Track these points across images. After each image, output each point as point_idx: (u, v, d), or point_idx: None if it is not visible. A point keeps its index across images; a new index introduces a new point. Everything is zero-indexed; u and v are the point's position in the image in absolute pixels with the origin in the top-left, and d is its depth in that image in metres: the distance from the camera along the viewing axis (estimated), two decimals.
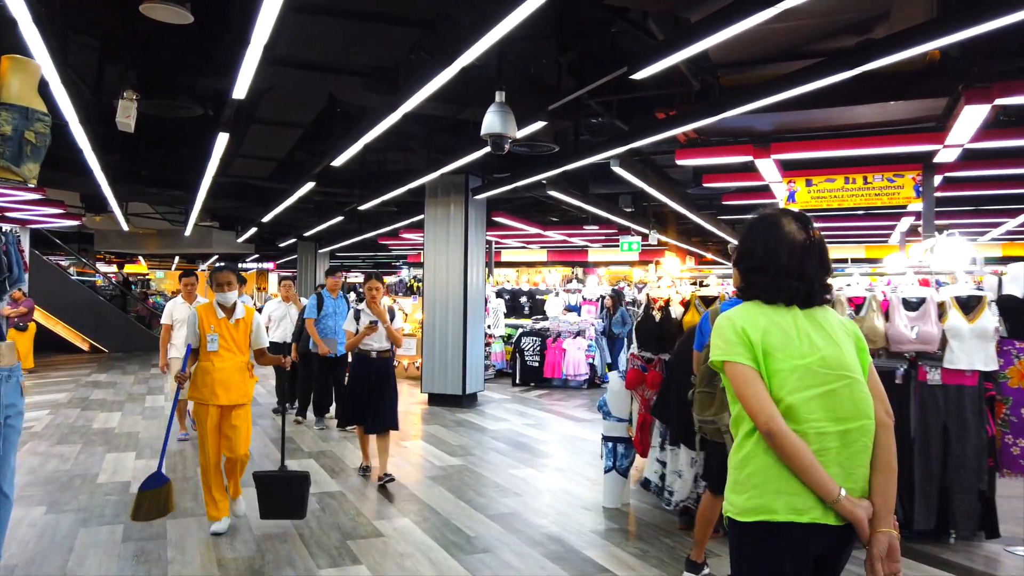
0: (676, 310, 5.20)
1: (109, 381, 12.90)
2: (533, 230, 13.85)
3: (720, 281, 5.36)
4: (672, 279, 5.73)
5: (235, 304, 4.87)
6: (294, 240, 19.96)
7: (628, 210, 13.14)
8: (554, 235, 15.05)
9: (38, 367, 14.44)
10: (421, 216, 13.64)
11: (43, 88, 4.26)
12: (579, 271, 19.91)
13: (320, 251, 22.79)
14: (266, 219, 14.05)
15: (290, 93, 7.11)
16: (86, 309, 18.27)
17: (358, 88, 6.55)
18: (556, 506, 5.55)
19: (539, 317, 14.33)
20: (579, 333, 13.13)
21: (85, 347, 18.36)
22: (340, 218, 13.68)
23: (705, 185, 8.37)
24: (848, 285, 4.94)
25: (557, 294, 14.78)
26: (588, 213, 12.57)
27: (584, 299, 14.21)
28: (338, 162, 8.15)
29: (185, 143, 10.76)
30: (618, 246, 17.06)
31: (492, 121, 5.26)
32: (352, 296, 11.27)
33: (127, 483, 6.02)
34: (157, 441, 7.74)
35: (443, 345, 10.60)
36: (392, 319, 6.00)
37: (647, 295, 5.37)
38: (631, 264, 19.61)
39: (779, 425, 1.84)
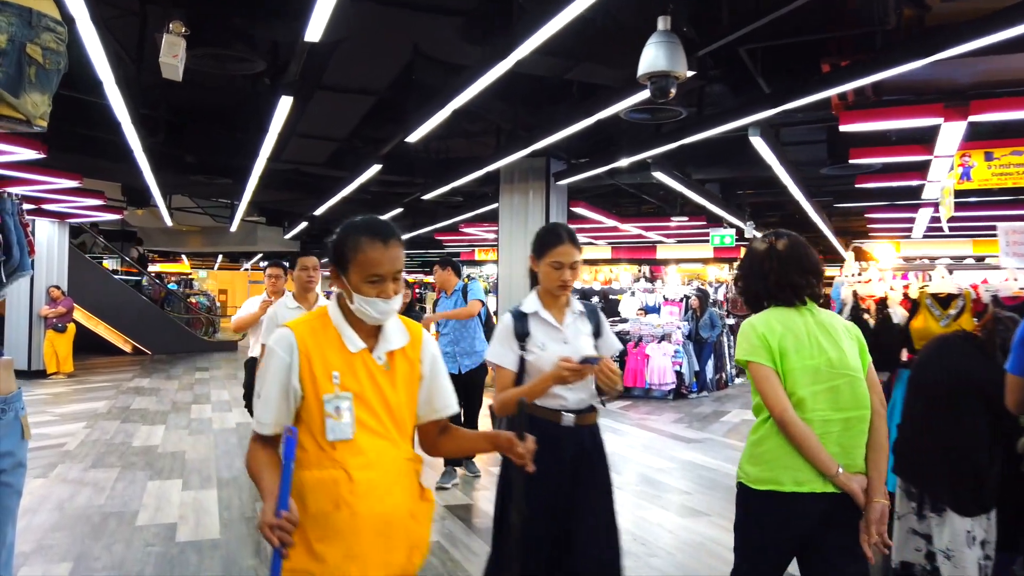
0: (898, 313, 3.85)
1: (152, 387, 11.91)
2: (610, 223, 12.57)
3: (945, 274, 4.00)
4: (880, 271, 4.39)
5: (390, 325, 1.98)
6: None
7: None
8: (631, 229, 13.74)
9: (78, 370, 13.55)
10: (485, 208, 12.52)
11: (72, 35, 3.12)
12: (646, 269, 18.51)
13: None
14: (319, 212, 12.95)
15: (366, 47, 5.91)
16: (129, 310, 17.43)
17: (451, 36, 5.32)
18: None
19: (615, 319, 12.99)
20: (664, 337, 11.77)
21: (128, 348, 17.54)
22: (399, 210, 12.55)
23: (853, 162, 6.98)
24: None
25: (633, 294, 13.43)
26: (686, 201, 11.21)
27: (665, 299, 12.81)
28: (415, 136, 6.95)
29: (235, 125, 9.70)
30: (695, 241, 15.69)
31: (655, 57, 3.97)
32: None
33: (172, 526, 4.86)
34: (206, 464, 6.61)
35: None
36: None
37: (854, 293, 4.04)
38: (704, 261, 18.14)
39: (790, 415, 2.23)
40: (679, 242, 16.21)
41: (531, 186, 9.50)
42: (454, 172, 9.34)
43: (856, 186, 8.69)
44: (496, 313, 9.31)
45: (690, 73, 4.43)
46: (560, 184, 9.49)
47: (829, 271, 4.90)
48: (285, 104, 5.84)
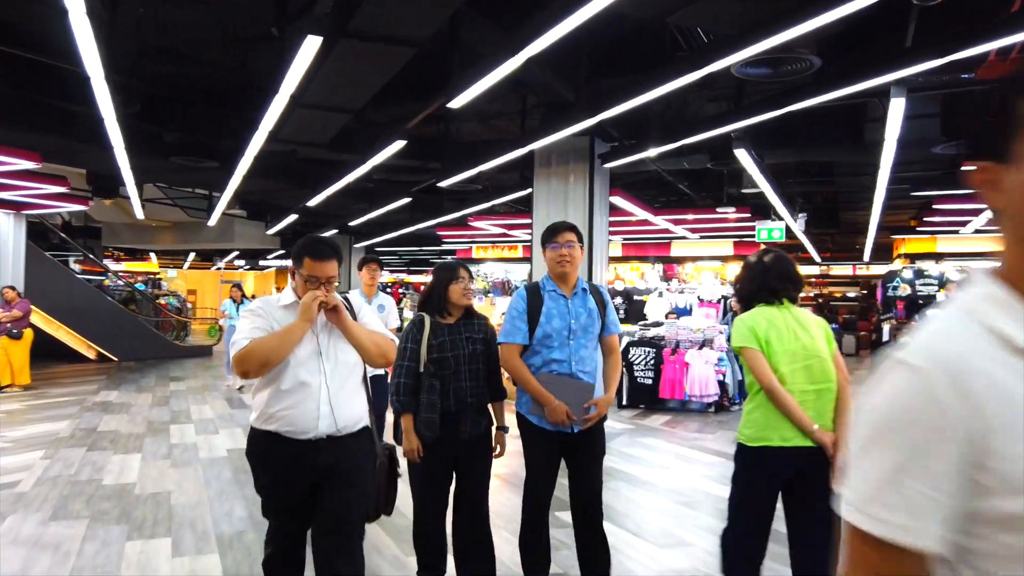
0: None
1: (122, 402, 10.36)
2: (643, 214, 11.31)
3: None
4: None
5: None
6: (333, 232, 17.35)
7: (754, 190, 10.55)
8: (659, 222, 12.50)
9: (36, 381, 11.92)
10: (503, 199, 11.21)
11: None
12: (659, 267, 17.28)
13: (356, 245, 20.30)
14: (313, 203, 11.49)
15: None
16: (94, 312, 15.75)
17: None
18: None
19: (645, 323, 11.71)
20: (704, 343, 10.52)
21: (92, 355, 15.85)
22: (406, 200, 11.17)
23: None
24: None
25: (660, 294, 12.21)
26: (745, 188, 9.98)
27: (700, 300, 11.59)
28: (458, 102, 5.60)
29: (224, 100, 8.28)
30: (725, 237, 14.56)
31: None
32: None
33: None
34: (198, 513, 5.19)
35: None
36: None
37: None
38: (723, 259, 16.94)
39: (776, 386, 2.95)
40: (703, 238, 15.03)
41: (572, 169, 8.21)
42: (482, 155, 8.00)
43: (963, 168, 7.54)
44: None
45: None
46: (608, 166, 8.22)
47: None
48: (310, 48, 4.45)
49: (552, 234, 3.47)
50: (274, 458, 2.84)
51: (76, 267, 18.42)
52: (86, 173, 12.01)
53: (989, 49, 4.36)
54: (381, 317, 5.15)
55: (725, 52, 4.50)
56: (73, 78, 6.23)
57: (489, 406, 3.58)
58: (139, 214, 14.14)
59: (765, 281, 3.13)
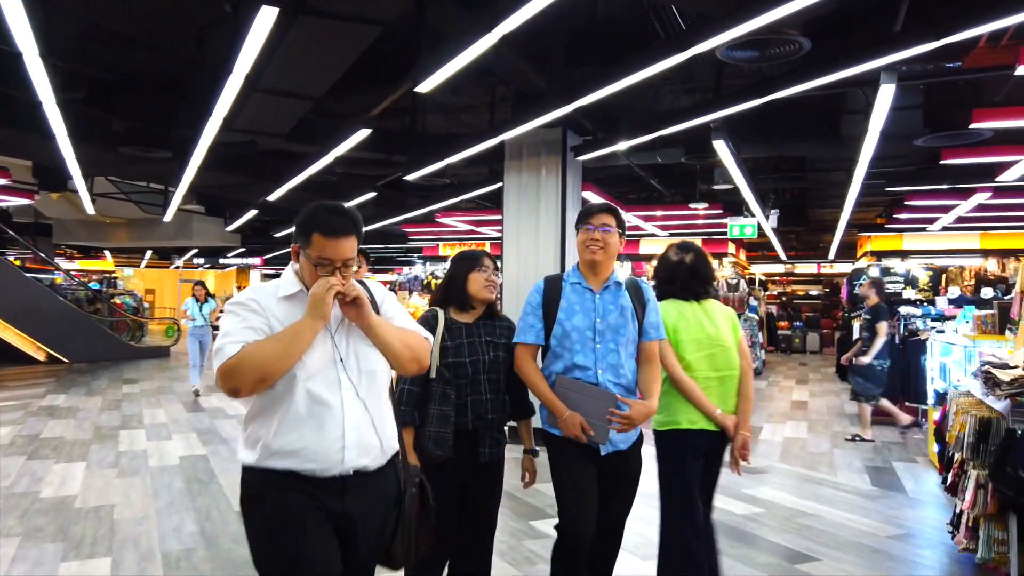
0: None
1: (69, 406, 9.81)
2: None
3: None
4: None
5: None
6: (294, 229, 16.77)
7: (726, 186, 10.39)
8: (631, 218, 12.29)
9: None
10: (469, 194, 10.87)
11: None
12: (628, 265, 17.11)
13: None
14: (273, 197, 11.04)
15: None
16: (43, 312, 15.05)
17: None
18: None
19: None
20: None
21: (41, 357, 15.15)
22: (370, 195, 10.78)
23: (976, 126, 5.66)
24: None
25: None
26: (716, 185, 9.79)
27: None
28: (427, 86, 5.28)
29: (177, 87, 7.82)
30: (694, 234, 14.43)
31: None
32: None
33: None
34: (143, 528, 4.78)
35: None
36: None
37: None
38: None
39: (680, 374, 3.09)
40: (673, 235, 14.86)
41: (543, 162, 7.90)
42: (451, 147, 7.66)
43: (943, 162, 7.41)
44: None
45: None
46: (578, 160, 7.95)
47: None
48: (265, 21, 4.08)
49: (585, 216, 2.93)
50: (281, 506, 2.02)
51: (15, 262, 17.52)
52: (32, 165, 11.40)
53: (984, 32, 4.18)
54: None
55: (710, 32, 4.24)
56: (8, 58, 5.76)
57: (509, 424, 3.02)
58: (89, 209, 13.51)
59: (688, 283, 3.27)
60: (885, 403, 8.07)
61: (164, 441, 7.67)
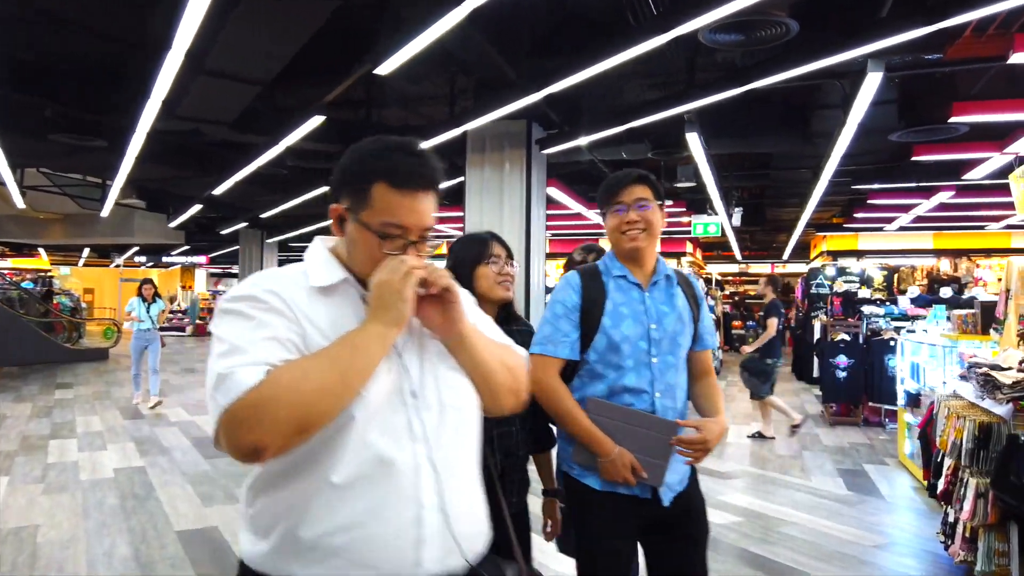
0: None
1: None
2: (578, 207, 10.79)
3: None
4: None
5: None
6: (243, 226, 16.13)
7: (688, 184, 10.22)
8: (593, 216, 12.04)
9: None
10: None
11: None
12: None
13: (268, 241, 19.12)
14: (218, 191, 10.46)
15: None
16: None
17: None
18: None
19: None
20: None
21: None
22: (323, 190, 10.30)
23: (956, 120, 5.52)
24: None
25: None
26: (678, 183, 9.57)
27: None
28: (387, 67, 4.90)
29: (115, 70, 7.26)
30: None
31: None
32: None
33: None
34: (70, 553, 4.28)
35: None
36: None
37: None
38: None
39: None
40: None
41: (507, 156, 7.59)
42: (419, 134, 7.28)
43: (914, 159, 7.33)
44: None
45: None
46: (543, 154, 7.65)
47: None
48: None
49: (612, 191, 2.16)
50: None
51: None
52: None
53: (976, 17, 4.01)
54: None
55: (696, 12, 3.97)
56: None
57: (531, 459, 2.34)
58: (19, 203, 12.67)
59: None
60: (774, 399, 8.05)
61: (98, 452, 7.10)
